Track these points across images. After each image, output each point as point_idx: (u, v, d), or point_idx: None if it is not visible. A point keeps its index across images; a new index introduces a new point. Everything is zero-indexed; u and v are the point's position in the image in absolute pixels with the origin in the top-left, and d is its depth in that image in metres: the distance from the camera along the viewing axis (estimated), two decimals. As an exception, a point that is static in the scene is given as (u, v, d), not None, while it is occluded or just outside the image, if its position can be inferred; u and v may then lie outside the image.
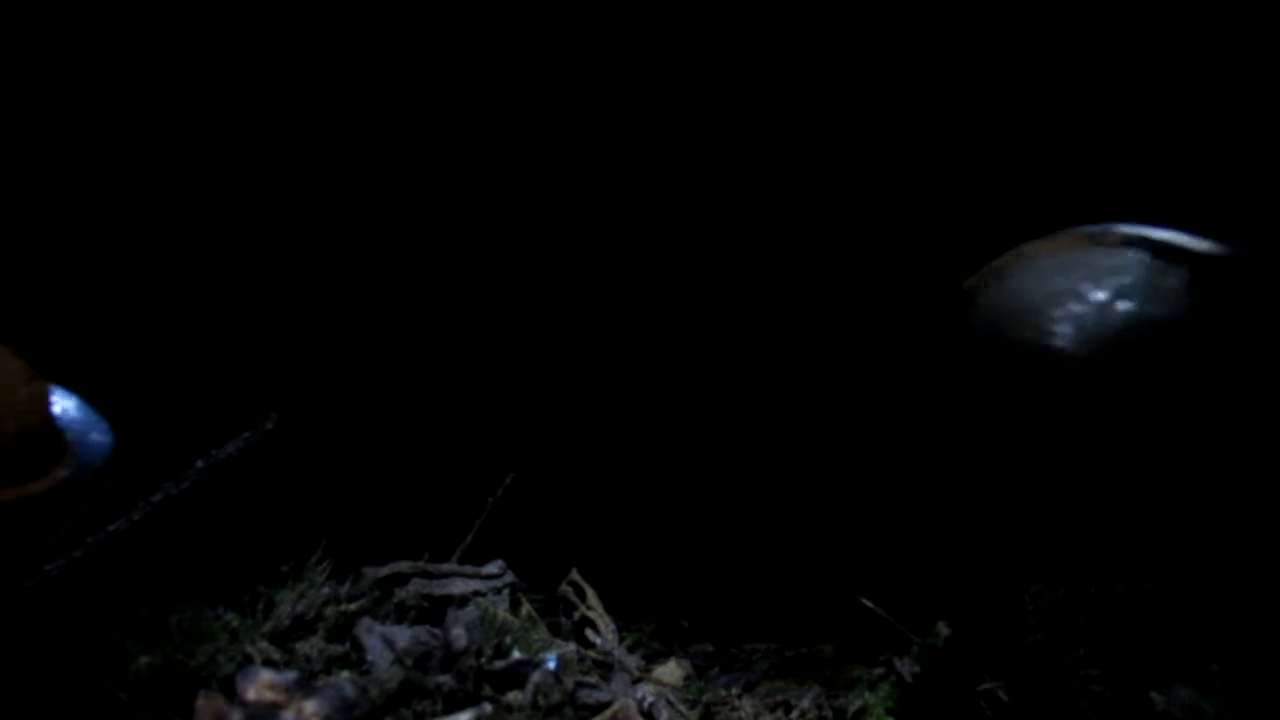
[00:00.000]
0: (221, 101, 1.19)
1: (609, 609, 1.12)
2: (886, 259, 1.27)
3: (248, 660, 0.78)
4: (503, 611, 0.97)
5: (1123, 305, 0.77)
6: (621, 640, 1.08)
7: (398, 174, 1.29)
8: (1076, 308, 0.78)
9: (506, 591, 1.03)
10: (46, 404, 0.84)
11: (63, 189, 1.15)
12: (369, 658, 0.83)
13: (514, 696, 0.83)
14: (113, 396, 1.03)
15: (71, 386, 0.91)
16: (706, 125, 1.25)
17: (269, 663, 0.79)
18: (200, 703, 0.72)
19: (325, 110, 1.23)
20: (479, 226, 1.33)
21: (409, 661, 0.82)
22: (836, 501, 1.37)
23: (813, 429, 1.37)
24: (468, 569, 1.04)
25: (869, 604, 0.97)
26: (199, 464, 0.91)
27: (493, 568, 1.05)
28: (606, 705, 0.87)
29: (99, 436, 0.90)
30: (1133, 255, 0.75)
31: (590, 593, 1.13)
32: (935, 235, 1.21)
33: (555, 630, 1.06)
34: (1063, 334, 0.79)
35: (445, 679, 0.81)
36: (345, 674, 0.80)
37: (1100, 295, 0.77)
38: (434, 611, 0.95)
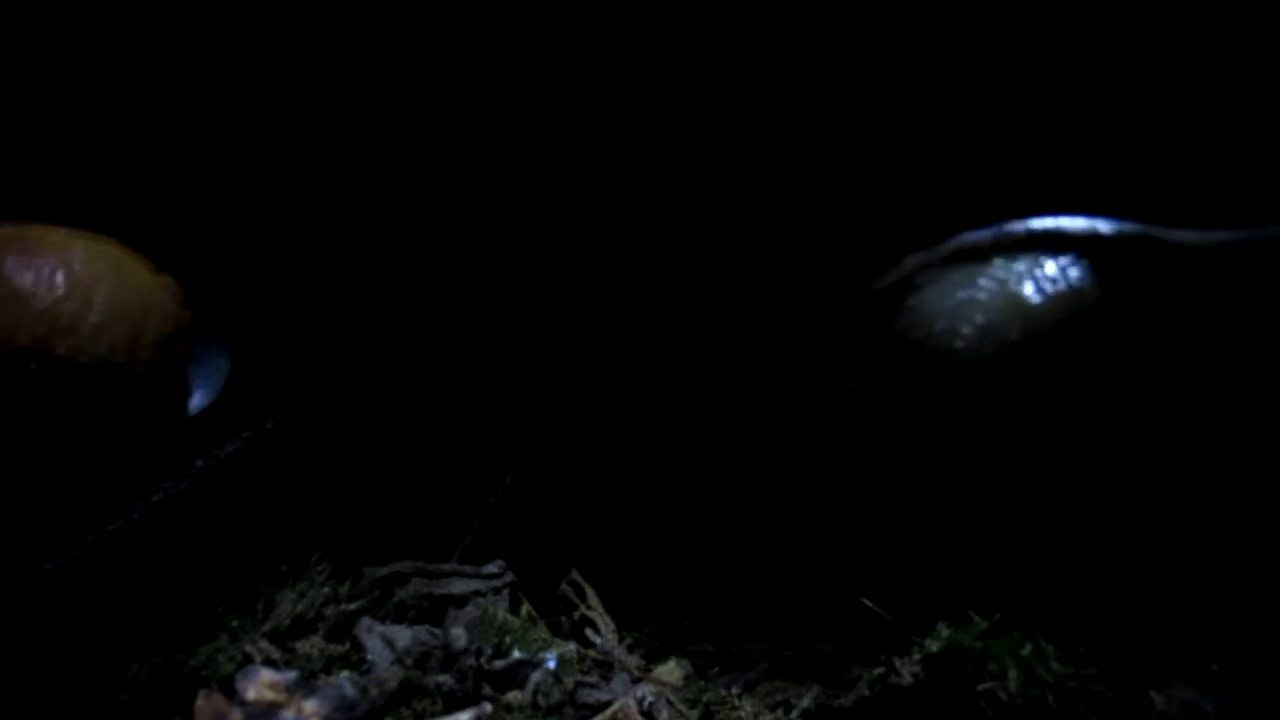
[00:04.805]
0: (222, 100, 1.19)
1: (609, 609, 1.12)
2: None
3: (248, 660, 0.78)
4: (503, 611, 0.97)
5: (1035, 299, 0.76)
6: (621, 640, 1.08)
7: (400, 177, 1.29)
8: (987, 308, 0.77)
9: (506, 591, 1.03)
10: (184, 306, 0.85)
11: (62, 189, 1.15)
12: (369, 657, 0.83)
13: (514, 696, 0.83)
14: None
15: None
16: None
17: (269, 662, 0.79)
18: (200, 702, 0.72)
19: (326, 111, 1.23)
20: (480, 231, 1.34)
21: (409, 661, 0.82)
22: (836, 502, 1.37)
23: (811, 429, 1.37)
24: (468, 569, 1.04)
25: (869, 604, 0.96)
26: (199, 464, 0.91)
27: (493, 567, 1.05)
28: (606, 705, 0.87)
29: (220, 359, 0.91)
30: (1041, 248, 0.74)
31: (590, 592, 1.13)
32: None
33: (555, 630, 1.06)
34: (970, 335, 0.78)
35: (445, 679, 0.81)
36: (345, 674, 0.80)
37: (1011, 291, 0.76)
38: (434, 611, 0.95)
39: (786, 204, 1.28)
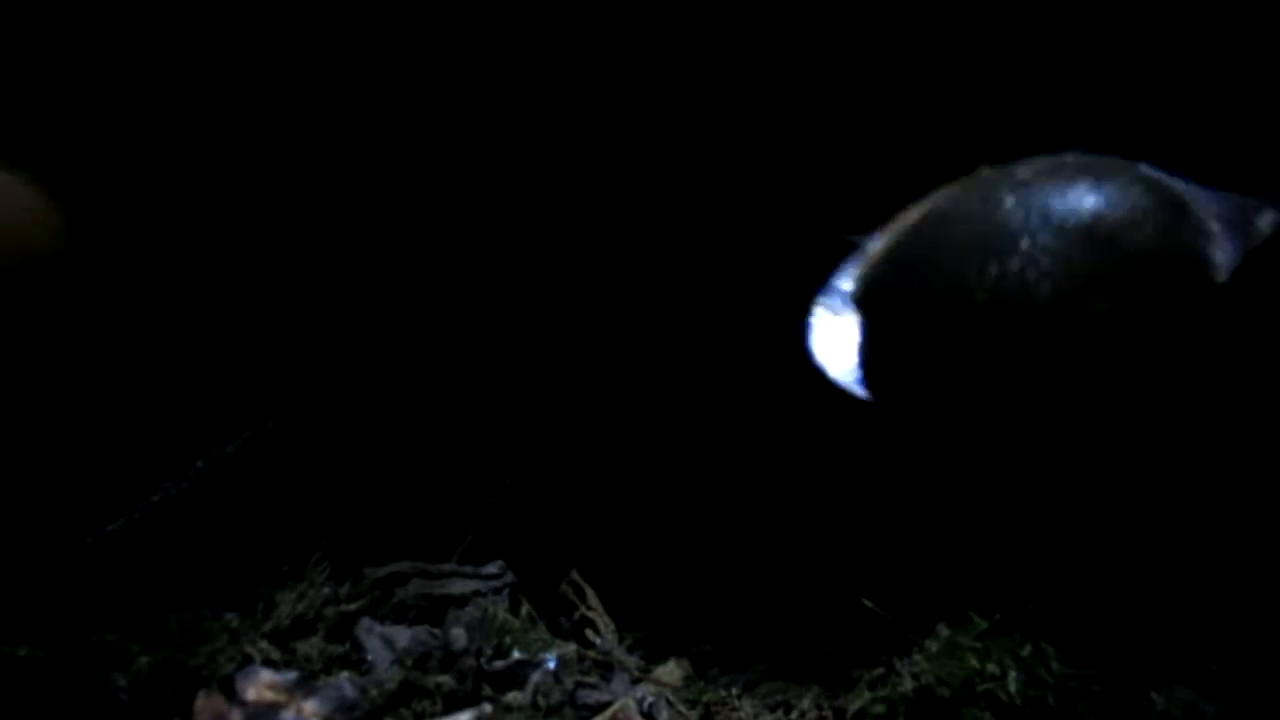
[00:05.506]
0: (219, 99, 1.19)
1: (609, 609, 1.12)
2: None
3: (248, 660, 0.78)
4: (503, 611, 0.97)
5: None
6: (621, 640, 1.08)
7: (398, 177, 1.29)
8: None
9: (506, 591, 1.03)
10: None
11: (58, 182, 1.15)
12: (369, 658, 0.83)
13: (514, 696, 0.83)
14: (113, 397, 1.03)
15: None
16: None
17: (269, 662, 0.79)
18: (200, 703, 0.72)
19: (323, 110, 1.23)
20: (478, 228, 1.33)
21: (409, 661, 0.82)
22: (835, 501, 1.37)
23: (810, 426, 1.37)
24: (468, 569, 1.04)
25: (869, 604, 0.96)
26: (199, 464, 0.91)
27: (493, 568, 1.05)
28: (606, 705, 0.87)
29: None
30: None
31: (590, 593, 1.13)
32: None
33: (555, 630, 1.06)
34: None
35: (445, 679, 0.81)
36: (345, 674, 0.80)
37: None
38: (434, 611, 0.95)
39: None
